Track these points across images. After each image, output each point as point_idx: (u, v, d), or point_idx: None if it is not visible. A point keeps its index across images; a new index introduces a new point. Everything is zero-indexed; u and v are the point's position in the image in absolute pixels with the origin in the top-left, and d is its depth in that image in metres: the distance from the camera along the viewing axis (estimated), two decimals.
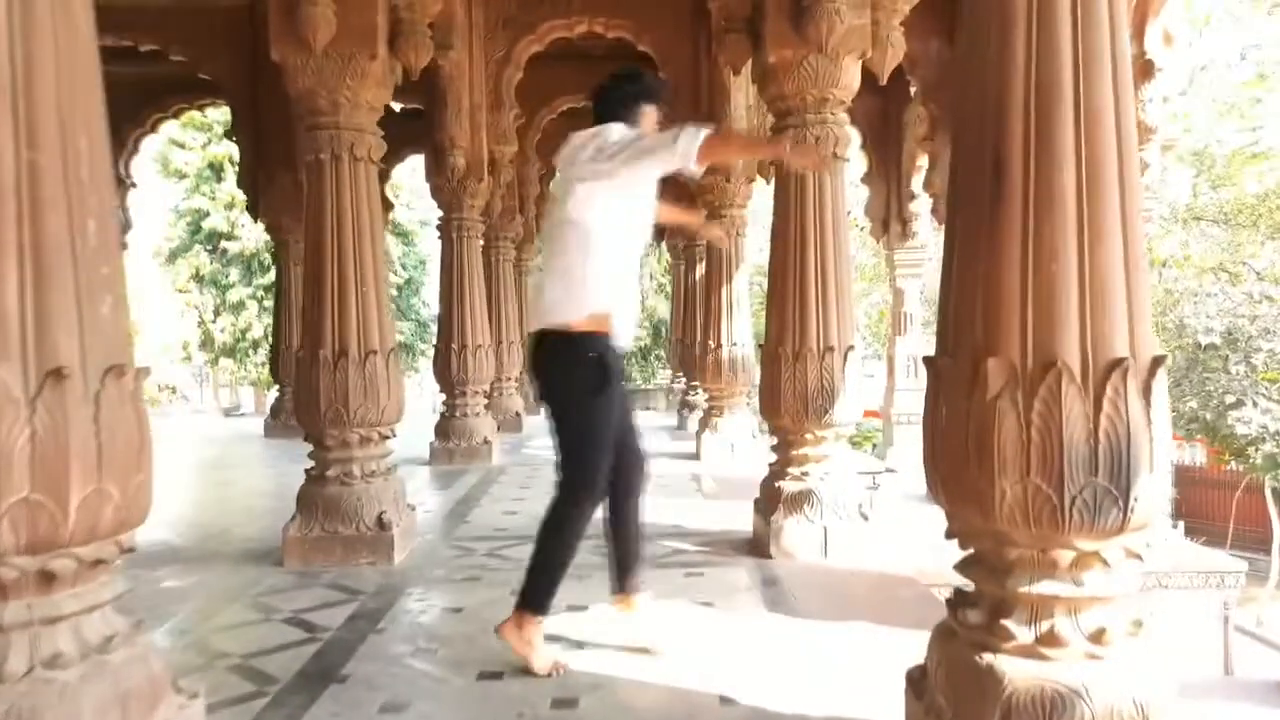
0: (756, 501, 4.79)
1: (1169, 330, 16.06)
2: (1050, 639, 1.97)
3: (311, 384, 4.37)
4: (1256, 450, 13.26)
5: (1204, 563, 7.68)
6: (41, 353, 1.90)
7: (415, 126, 8.98)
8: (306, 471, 4.54)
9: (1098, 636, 1.97)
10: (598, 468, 2.93)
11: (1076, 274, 1.94)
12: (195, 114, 20.22)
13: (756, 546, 4.59)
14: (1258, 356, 13.25)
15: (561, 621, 3.44)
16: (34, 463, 1.87)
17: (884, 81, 4.73)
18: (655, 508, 5.77)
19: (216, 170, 25.71)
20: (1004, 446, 1.94)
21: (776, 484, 4.53)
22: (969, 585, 2.19)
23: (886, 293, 18.70)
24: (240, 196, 23.60)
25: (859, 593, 3.90)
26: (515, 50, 7.58)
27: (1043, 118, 1.96)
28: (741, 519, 5.04)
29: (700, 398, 9.80)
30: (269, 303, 25.50)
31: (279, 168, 9.88)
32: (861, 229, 18.91)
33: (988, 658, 2.00)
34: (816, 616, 3.55)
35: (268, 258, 25.32)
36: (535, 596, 2.93)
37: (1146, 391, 1.93)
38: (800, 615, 3.58)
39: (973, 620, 2.09)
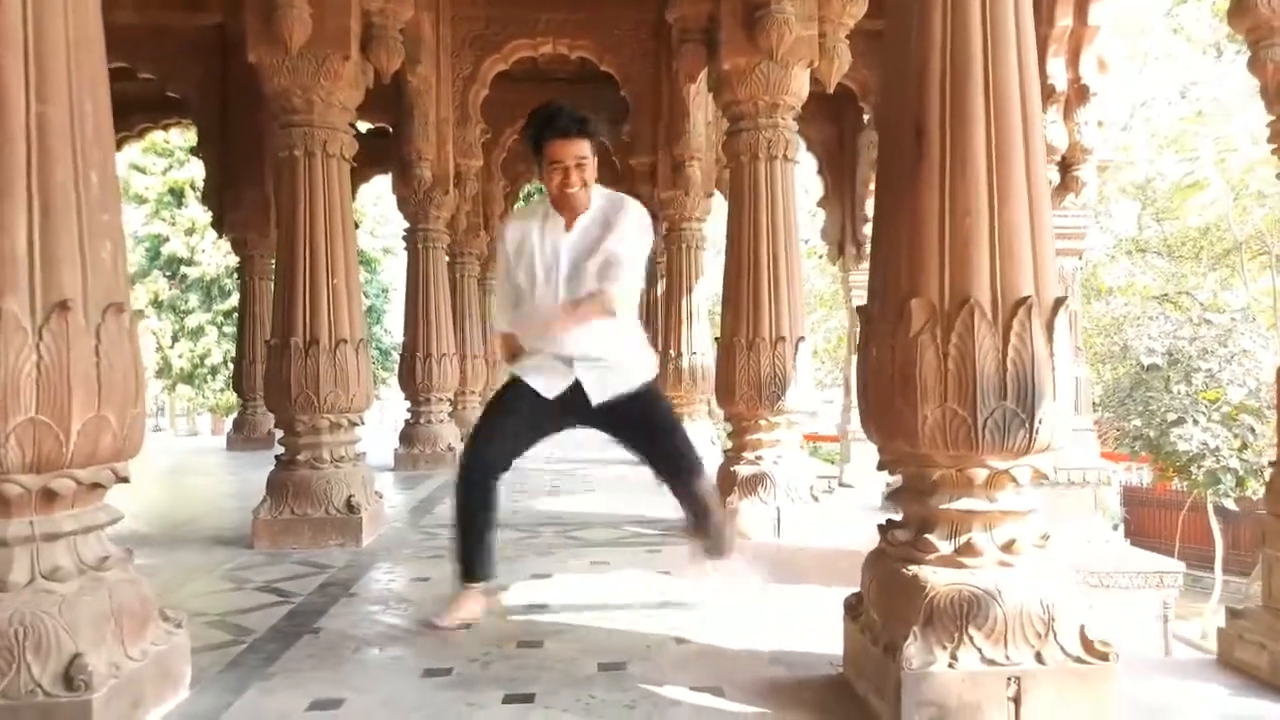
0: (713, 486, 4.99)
1: (1114, 353, 16.63)
2: (967, 549, 2.20)
3: (283, 371, 4.51)
4: (1198, 467, 13.72)
5: (1143, 564, 8.01)
6: (48, 287, 2.08)
7: (382, 146, 9.19)
8: (277, 457, 4.68)
9: (1009, 546, 2.20)
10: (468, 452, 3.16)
11: (988, 226, 2.19)
12: (157, 138, 20.30)
13: None
14: (1197, 377, 13.75)
15: (528, 587, 3.63)
16: (40, 387, 2.04)
17: (830, 89, 5.03)
18: (619, 503, 6.01)
19: (177, 195, 25.60)
20: (925, 377, 2.18)
21: (732, 468, 4.75)
22: (898, 515, 2.42)
23: (844, 319, 19.15)
24: (201, 221, 23.70)
25: (808, 563, 4.10)
26: (482, 68, 7.83)
27: (957, 89, 2.22)
28: None
29: None
30: (229, 328, 25.36)
31: (246, 185, 10.01)
32: (821, 257, 19.39)
33: (913, 569, 2.22)
34: (768, 581, 3.75)
35: (228, 283, 25.22)
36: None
37: (1049, 327, 2.18)
38: (752, 581, 3.78)
39: (901, 539, 2.32)
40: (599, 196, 3.07)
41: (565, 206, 3.01)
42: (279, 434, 4.79)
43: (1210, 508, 15.35)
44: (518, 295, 3.11)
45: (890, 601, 2.28)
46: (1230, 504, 14.55)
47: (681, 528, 3.48)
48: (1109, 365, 18.56)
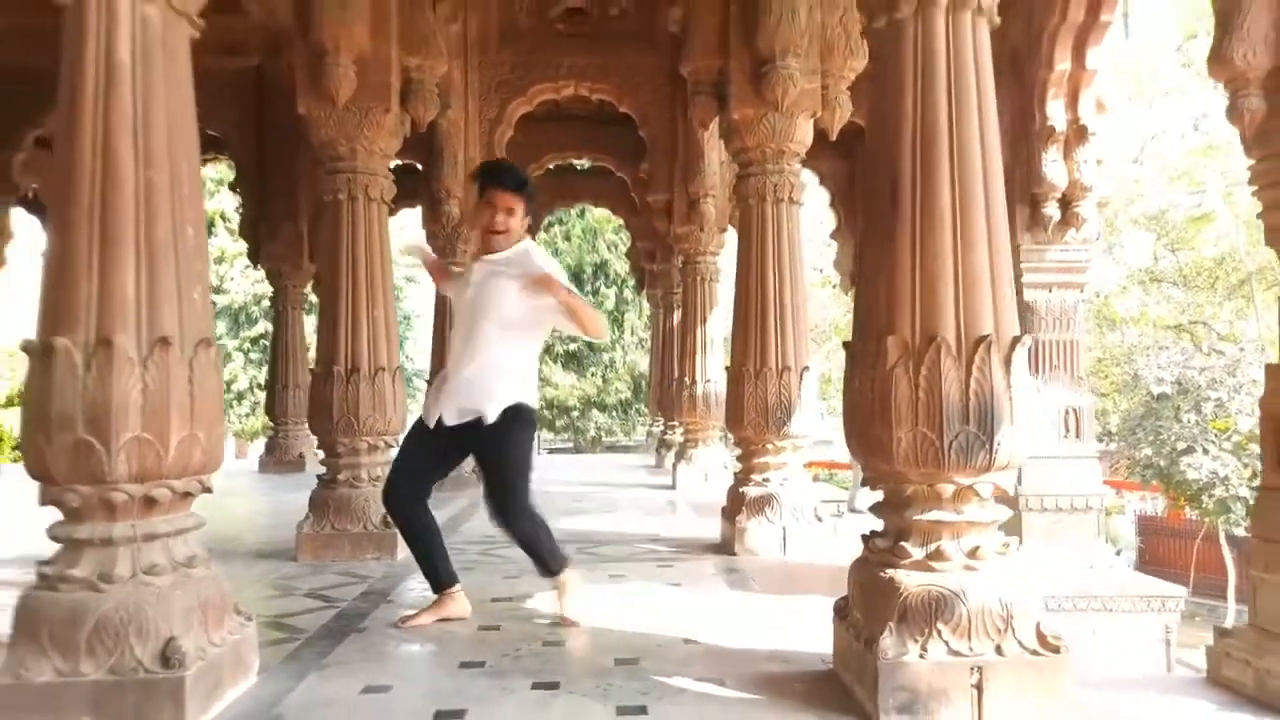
0: (723, 508, 5.32)
1: (1126, 382, 16.84)
2: (937, 555, 2.52)
3: (325, 397, 4.89)
4: (1209, 496, 13.88)
5: (1146, 588, 8.20)
6: (151, 325, 2.46)
7: (409, 182, 9.62)
8: (318, 477, 5.04)
9: (973, 553, 2.52)
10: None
11: (953, 272, 2.54)
12: None
13: (723, 546, 5.12)
14: (1206, 406, 13.93)
15: (550, 597, 3.96)
16: (144, 409, 2.41)
17: (834, 138, 5.39)
18: (635, 522, 6.35)
19: (207, 225, 26.23)
20: (899, 404, 2.52)
21: (740, 489, 5.08)
22: (879, 524, 2.74)
23: None
24: (230, 250, 24.32)
25: (811, 577, 4.39)
26: (507, 110, 8.27)
27: (926, 154, 2.57)
28: (711, 530, 5.57)
29: (676, 435, 10.35)
30: (255, 354, 25.95)
31: (281, 219, 10.49)
32: (835, 286, 19.72)
33: (889, 572, 2.55)
34: (771, 593, 4.06)
35: (255, 310, 25.85)
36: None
37: (1007, 361, 2.51)
38: (757, 592, 4.10)
39: (880, 546, 2.65)
40: (519, 247, 3.46)
41: (486, 243, 3.47)
42: (319, 455, 5.15)
43: (1223, 536, 15.44)
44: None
45: (870, 601, 2.60)
46: (1242, 532, 14.66)
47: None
48: (1123, 395, 18.73)
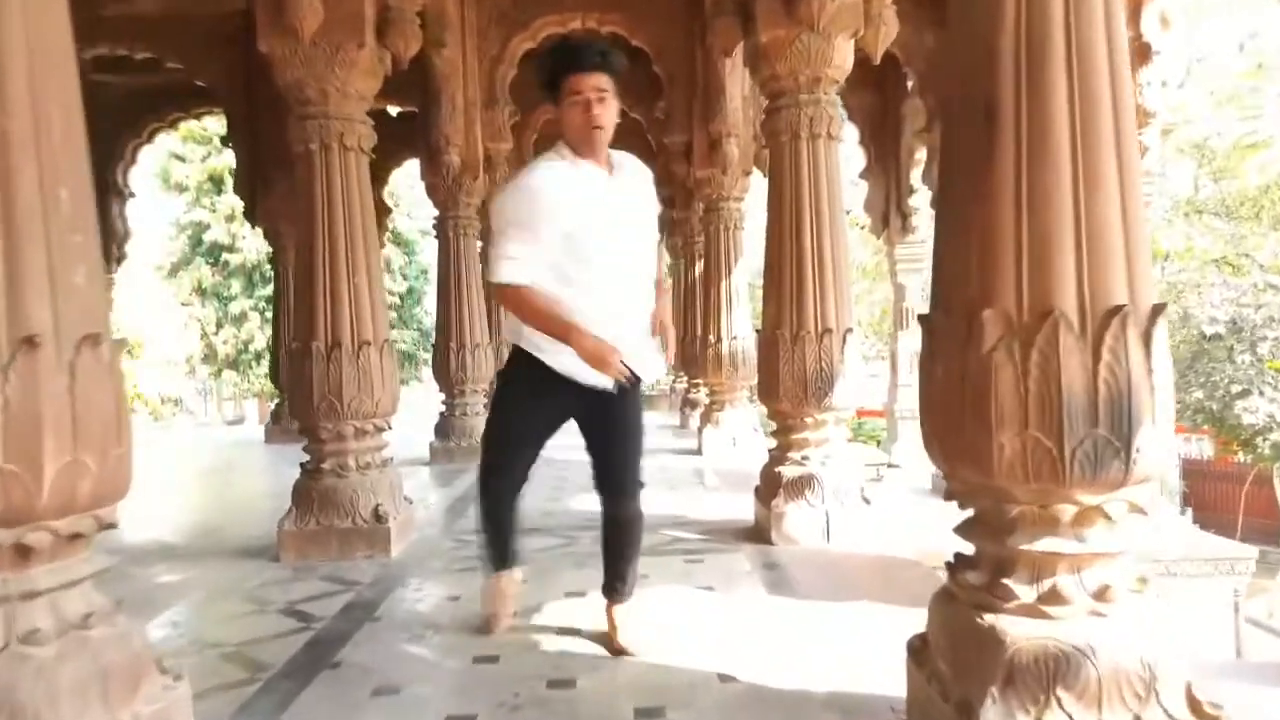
0: (757, 489, 4.73)
1: (1173, 322, 16.04)
2: (1053, 597, 1.91)
3: (304, 376, 4.32)
4: (1265, 440, 13.16)
5: (1214, 550, 7.61)
6: (13, 321, 1.85)
7: (412, 129, 8.96)
8: (301, 465, 4.50)
9: (1102, 594, 1.91)
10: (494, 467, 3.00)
11: (1072, 222, 1.89)
12: (195, 126, 20.43)
13: (758, 533, 4.54)
14: (1263, 346, 13.16)
15: (562, 608, 3.41)
16: (6, 433, 1.82)
17: (877, 60, 4.66)
18: (657, 500, 5.74)
19: (216, 183, 25.77)
20: (1001, 400, 1.89)
21: (776, 469, 4.47)
22: (969, 548, 2.14)
23: (889, 291, 18.63)
24: (240, 208, 23.82)
25: (861, 575, 3.83)
26: (509, 47, 7.56)
27: (1034, 61, 1.91)
28: (743, 509, 4.98)
29: (701, 394, 9.75)
30: (270, 313, 25.57)
31: (276, 173, 9.85)
32: (862, 228, 18.89)
33: (989, 618, 1.94)
34: (818, 597, 3.48)
35: (269, 268, 25.39)
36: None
37: (1147, 340, 1.88)
38: (801, 596, 3.52)
39: (973, 581, 2.04)
40: (636, 163, 2.91)
41: (588, 147, 2.71)
42: (305, 441, 4.60)
43: (1276, 481, 14.74)
44: (564, 257, 2.66)
45: (962, 653, 2.01)
46: None
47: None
48: (1169, 333, 17.91)
